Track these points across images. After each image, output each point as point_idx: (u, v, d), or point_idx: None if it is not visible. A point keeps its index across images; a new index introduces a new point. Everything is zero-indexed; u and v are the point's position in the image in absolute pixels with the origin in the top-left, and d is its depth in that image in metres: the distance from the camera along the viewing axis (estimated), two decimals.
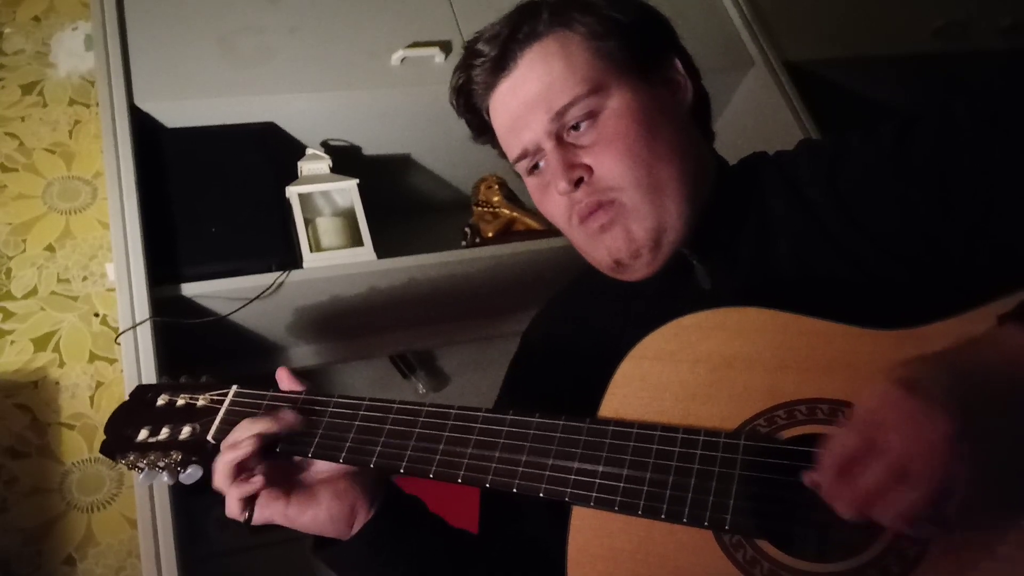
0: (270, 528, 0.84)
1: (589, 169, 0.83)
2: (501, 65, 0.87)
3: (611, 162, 0.83)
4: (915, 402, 0.53)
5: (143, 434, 0.88)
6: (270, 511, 0.81)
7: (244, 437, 0.80)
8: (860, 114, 2.01)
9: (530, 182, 0.91)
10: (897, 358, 0.64)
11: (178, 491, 1.22)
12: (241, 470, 0.80)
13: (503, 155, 0.95)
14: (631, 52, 0.87)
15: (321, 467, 0.84)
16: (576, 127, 0.84)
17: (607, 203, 0.83)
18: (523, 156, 0.88)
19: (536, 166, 0.88)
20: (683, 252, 0.86)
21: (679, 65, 0.91)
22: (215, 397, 0.89)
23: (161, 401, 0.92)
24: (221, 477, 0.80)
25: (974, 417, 0.52)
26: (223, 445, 0.82)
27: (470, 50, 0.90)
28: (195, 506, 1.48)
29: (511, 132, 0.88)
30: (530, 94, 0.85)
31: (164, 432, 0.87)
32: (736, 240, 0.86)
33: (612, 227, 0.84)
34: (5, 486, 1.23)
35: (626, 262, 0.85)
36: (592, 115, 0.84)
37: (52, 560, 1.20)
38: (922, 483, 0.52)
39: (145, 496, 1.19)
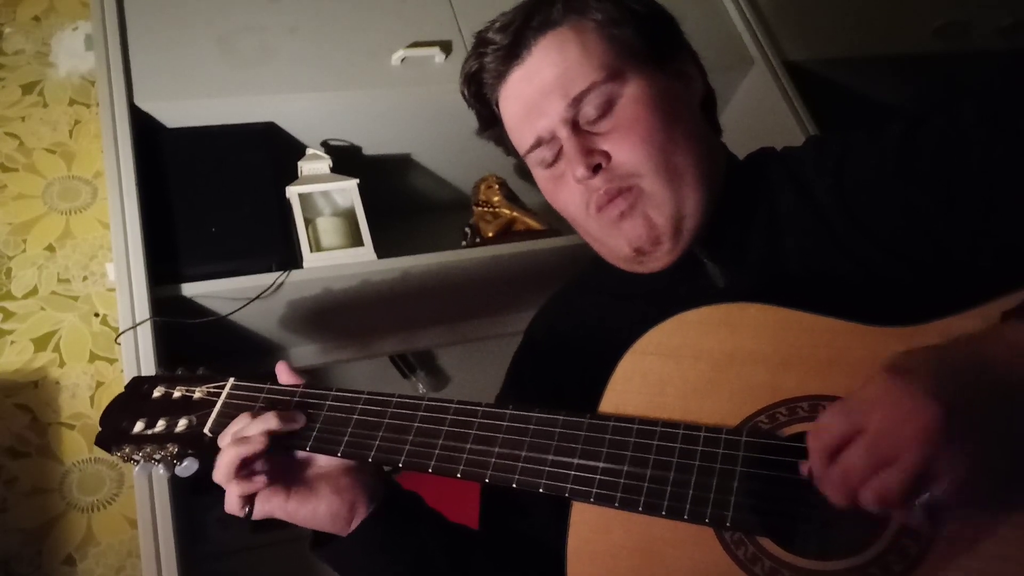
0: (271, 526, 0.83)
1: (607, 156, 0.82)
2: (514, 53, 0.85)
3: (630, 148, 0.82)
4: (899, 385, 0.54)
5: (139, 426, 0.88)
6: (270, 506, 0.80)
7: (255, 433, 0.78)
8: (860, 114, 2.01)
9: (541, 174, 0.89)
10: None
11: (178, 491, 1.22)
12: (245, 466, 0.78)
13: (508, 152, 0.94)
14: (645, 41, 0.86)
15: (321, 462, 0.83)
16: (592, 114, 0.83)
17: (626, 190, 0.82)
18: (537, 145, 0.86)
19: (549, 157, 0.86)
20: (693, 250, 0.85)
21: (689, 59, 0.91)
22: (212, 390, 0.88)
23: (157, 393, 0.91)
24: (224, 472, 0.78)
25: (965, 404, 0.53)
26: (230, 438, 0.79)
27: (481, 38, 0.89)
28: (195, 506, 1.48)
29: (524, 120, 0.86)
30: (545, 81, 0.84)
31: (160, 424, 0.87)
32: (745, 237, 0.85)
33: (632, 214, 0.83)
34: (5, 486, 1.23)
35: (647, 249, 0.84)
36: (609, 102, 0.83)
37: (52, 560, 1.20)
38: (901, 464, 0.52)
39: (145, 496, 1.18)
